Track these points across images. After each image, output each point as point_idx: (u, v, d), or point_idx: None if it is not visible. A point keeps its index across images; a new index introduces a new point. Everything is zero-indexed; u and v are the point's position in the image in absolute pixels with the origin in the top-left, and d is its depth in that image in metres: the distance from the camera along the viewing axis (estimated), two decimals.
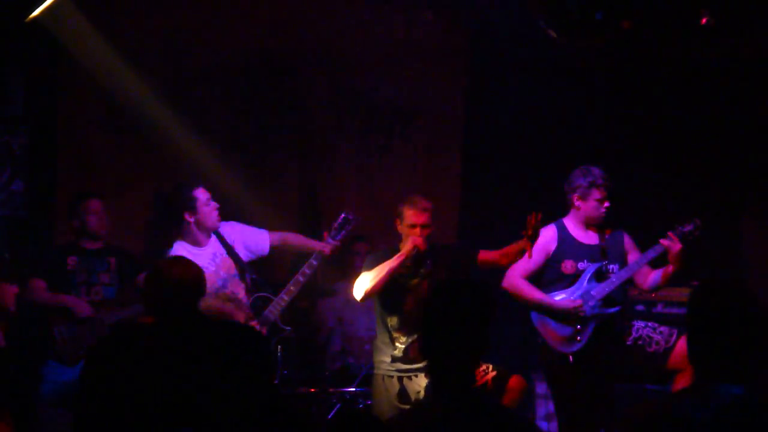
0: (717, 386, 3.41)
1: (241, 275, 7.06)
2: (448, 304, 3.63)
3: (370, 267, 6.59)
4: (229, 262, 7.07)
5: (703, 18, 7.09)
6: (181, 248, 6.97)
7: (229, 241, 7.13)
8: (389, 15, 8.84)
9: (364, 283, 6.52)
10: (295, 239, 7.30)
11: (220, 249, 7.08)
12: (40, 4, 7.23)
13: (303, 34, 8.80)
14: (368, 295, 6.53)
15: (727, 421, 3.35)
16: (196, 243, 7.04)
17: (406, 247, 6.51)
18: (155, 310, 4.68)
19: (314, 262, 6.93)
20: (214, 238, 7.12)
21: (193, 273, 4.78)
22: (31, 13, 7.31)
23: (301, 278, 6.88)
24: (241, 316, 6.58)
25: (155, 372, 4.33)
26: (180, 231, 7.06)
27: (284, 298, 6.85)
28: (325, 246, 6.99)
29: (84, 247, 7.27)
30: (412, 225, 6.56)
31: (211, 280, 6.77)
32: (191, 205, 7.00)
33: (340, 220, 7.04)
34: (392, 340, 6.58)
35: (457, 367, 3.57)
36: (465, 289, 3.69)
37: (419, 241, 6.51)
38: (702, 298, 3.54)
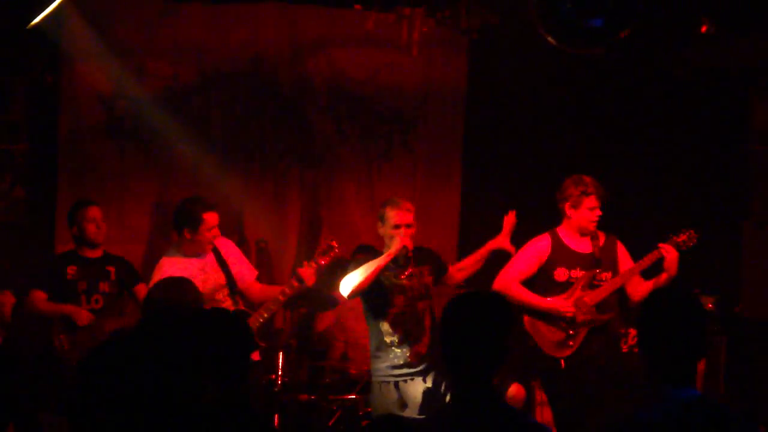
0: (672, 390, 3.54)
1: (231, 288, 7.06)
2: (472, 315, 3.64)
3: (357, 267, 6.58)
4: (220, 273, 7.07)
5: (703, 25, 7.10)
6: (167, 263, 6.99)
7: (223, 254, 7.13)
8: (390, 22, 8.84)
9: (351, 281, 6.50)
10: (270, 294, 7.19)
11: (212, 260, 7.08)
12: (42, 11, 7.24)
13: (303, 40, 8.82)
14: (355, 293, 6.50)
15: (685, 422, 3.47)
16: (186, 255, 7.04)
17: (395, 245, 6.49)
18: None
19: (295, 283, 6.91)
20: (211, 253, 7.13)
21: (191, 299, 4.79)
22: (32, 20, 7.32)
23: (280, 297, 6.87)
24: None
25: (149, 379, 4.33)
26: (176, 241, 7.08)
27: (263, 314, 6.83)
28: (306, 270, 6.96)
29: (83, 255, 7.28)
30: (396, 225, 6.53)
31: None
32: (195, 225, 6.97)
33: (324, 247, 7.01)
34: (386, 345, 6.56)
35: (480, 376, 3.59)
36: (485, 300, 3.72)
37: (407, 240, 6.50)
38: (652, 308, 3.71)
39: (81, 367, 4.67)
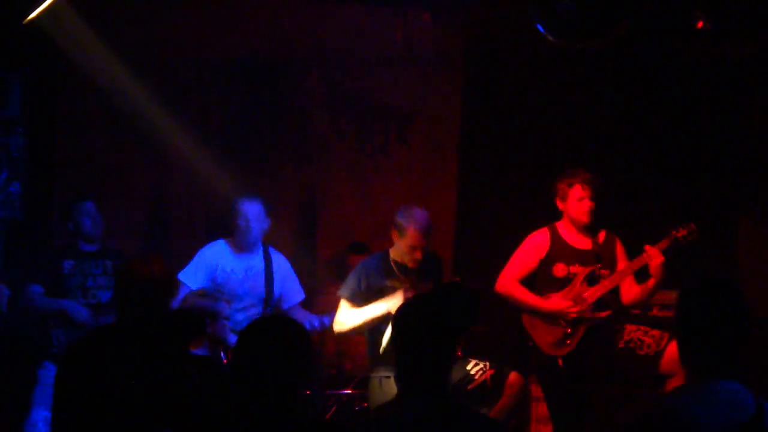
0: (712, 383, 3.45)
1: (267, 299, 7.11)
2: (424, 311, 3.61)
3: (348, 286, 6.59)
4: (261, 281, 7.12)
5: (699, 21, 7.10)
6: (218, 244, 7.20)
7: (273, 267, 7.19)
8: (386, 17, 8.85)
9: (343, 323, 6.55)
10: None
11: (260, 267, 7.16)
12: (39, 6, 7.23)
13: (300, 36, 8.82)
14: (345, 334, 6.61)
15: (725, 415, 3.39)
16: (239, 249, 7.13)
17: (399, 296, 6.38)
18: (125, 309, 4.65)
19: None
20: (261, 255, 7.19)
21: (162, 271, 4.74)
22: (29, 15, 7.31)
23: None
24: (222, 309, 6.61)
25: (129, 372, 4.32)
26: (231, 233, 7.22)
27: None
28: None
29: (80, 249, 7.25)
30: (413, 246, 6.50)
31: (233, 284, 7.03)
32: (233, 216, 7.10)
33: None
34: (381, 354, 6.53)
35: (428, 373, 3.55)
36: (441, 296, 3.67)
37: (419, 255, 6.48)
38: (692, 298, 3.60)
39: (61, 362, 4.68)
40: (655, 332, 6.55)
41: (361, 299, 6.54)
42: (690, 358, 3.54)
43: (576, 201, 6.68)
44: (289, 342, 3.67)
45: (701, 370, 3.49)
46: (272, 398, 3.59)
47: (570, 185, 6.69)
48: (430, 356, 3.57)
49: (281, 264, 7.31)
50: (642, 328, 6.62)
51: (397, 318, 3.68)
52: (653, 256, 6.49)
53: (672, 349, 6.40)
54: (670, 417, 3.41)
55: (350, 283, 6.63)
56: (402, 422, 3.49)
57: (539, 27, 6.59)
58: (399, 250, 6.57)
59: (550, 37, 6.67)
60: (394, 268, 6.59)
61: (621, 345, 6.55)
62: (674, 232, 6.57)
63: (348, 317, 6.51)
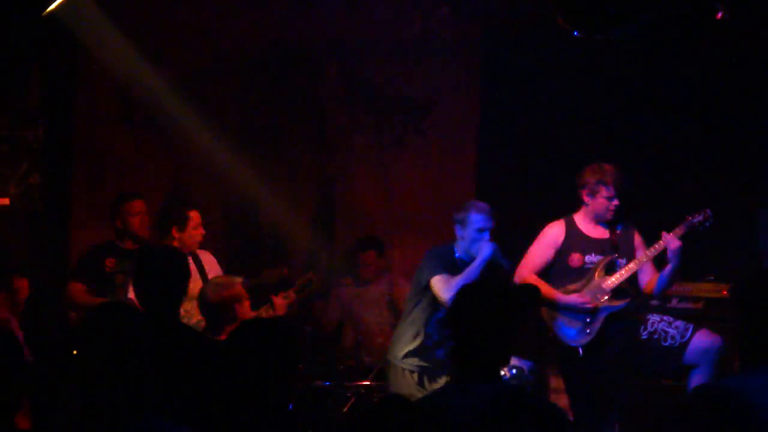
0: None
1: None
2: (482, 302, 3.64)
3: (435, 267, 6.54)
4: (198, 283, 7.15)
5: (719, 12, 7.07)
6: None
7: (205, 266, 7.22)
8: (404, 9, 8.84)
9: (453, 286, 6.44)
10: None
11: (193, 268, 7.17)
12: None
13: (318, 28, 8.82)
14: None
15: None
16: None
17: (485, 251, 6.47)
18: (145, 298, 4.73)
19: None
20: (191, 259, 7.23)
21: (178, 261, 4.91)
22: (48, 8, 7.34)
23: None
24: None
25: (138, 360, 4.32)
26: (165, 241, 7.17)
27: None
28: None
29: (122, 247, 7.24)
30: (480, 229, 6.53)
31: None
32: (182, 223, 7.09)
33: (303, 282, 7.17)
34: (422, 344, 6.56)
35: (486, 359, 3.59)
36: (494, 288, 3.71)
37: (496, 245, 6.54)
38: (757, 287, 3.57)
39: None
40: (679, 323, 6.54)
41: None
42: (747, 347, 3.52)
43: (605, 199, 6.66)
44: (276, 342, 3.79)
45: (758, 358, 3.46)
46: (261, 395, 3.68)
47: (601, 183, 6.65)
48: (495, 339, 3.61)
49: (210, 263, 7.36)
50: (666, 318, 6.61)
51: (459, 302, 3.71)
52: (670, 241, 6.50)
53: (697, 341, 6.41)
54: (735, 399, 3.37)
55: (433, 264, 6.61)
56: (470, 407, 3.52)
57: (558, 18, 6.57)
58: (463, 245, 6.61)
59: (569, 28, 6.65)
60: (458, 264, 6.62)
61: (645, 336, 6.55)
62: (690, 218, 6.58)
63: (458, 280, 6.46)
